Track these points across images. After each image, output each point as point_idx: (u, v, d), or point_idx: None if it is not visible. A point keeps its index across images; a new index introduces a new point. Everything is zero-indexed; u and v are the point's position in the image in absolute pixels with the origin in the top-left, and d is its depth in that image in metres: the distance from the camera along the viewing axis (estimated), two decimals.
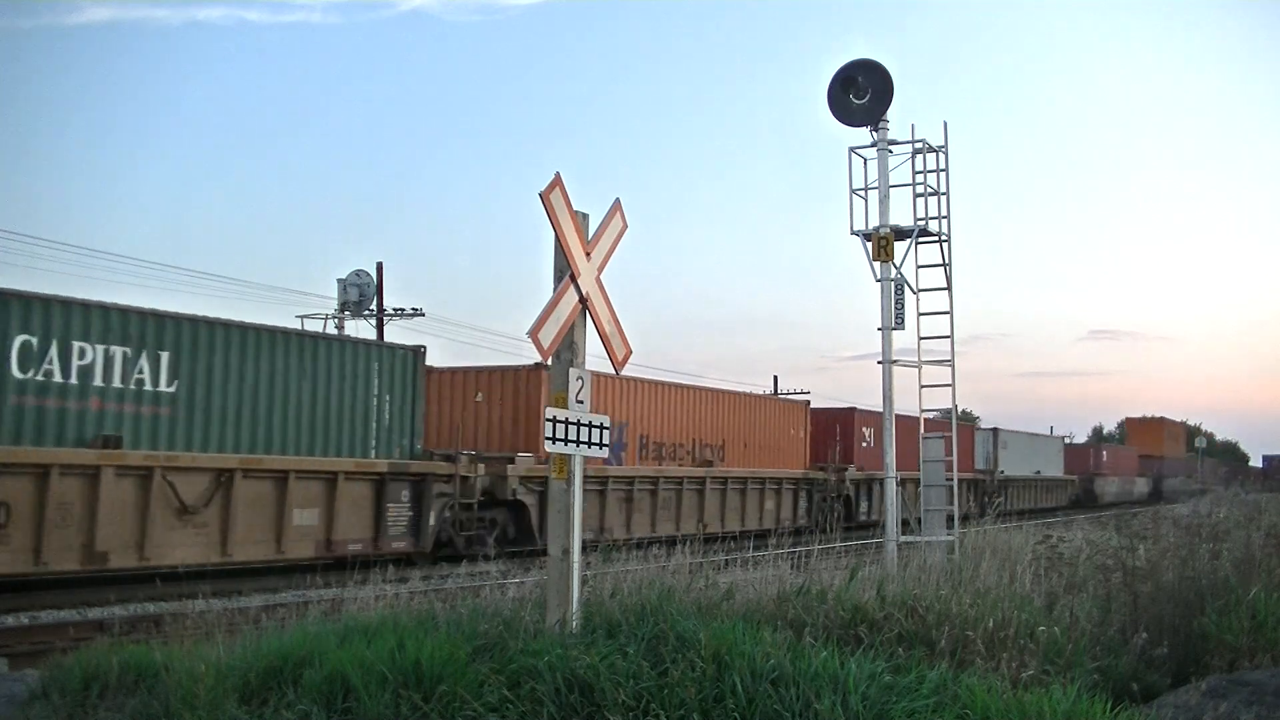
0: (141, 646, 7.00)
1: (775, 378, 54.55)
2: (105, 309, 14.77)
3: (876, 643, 5.88)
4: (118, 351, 14.76)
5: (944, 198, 13.06)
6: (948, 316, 13.00)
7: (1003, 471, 42.66)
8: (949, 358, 13.12)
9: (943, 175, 13.09)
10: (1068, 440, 60.02)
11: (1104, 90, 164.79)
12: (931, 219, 13.00)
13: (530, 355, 19.19)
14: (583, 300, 6.79)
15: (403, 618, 6.71)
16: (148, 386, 15.10)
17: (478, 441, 21.03)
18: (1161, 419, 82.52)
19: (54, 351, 14.07)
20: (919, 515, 12.71)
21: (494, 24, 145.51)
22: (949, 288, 13.06)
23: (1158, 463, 73.14)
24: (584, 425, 6.62)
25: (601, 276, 7.03)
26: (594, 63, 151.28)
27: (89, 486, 14.09)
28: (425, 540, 18.84)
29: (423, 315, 33.90)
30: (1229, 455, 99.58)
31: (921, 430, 13.27)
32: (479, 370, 22.52)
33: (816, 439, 31.37)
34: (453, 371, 22.39)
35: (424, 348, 19.47)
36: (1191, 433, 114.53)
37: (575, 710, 5.15)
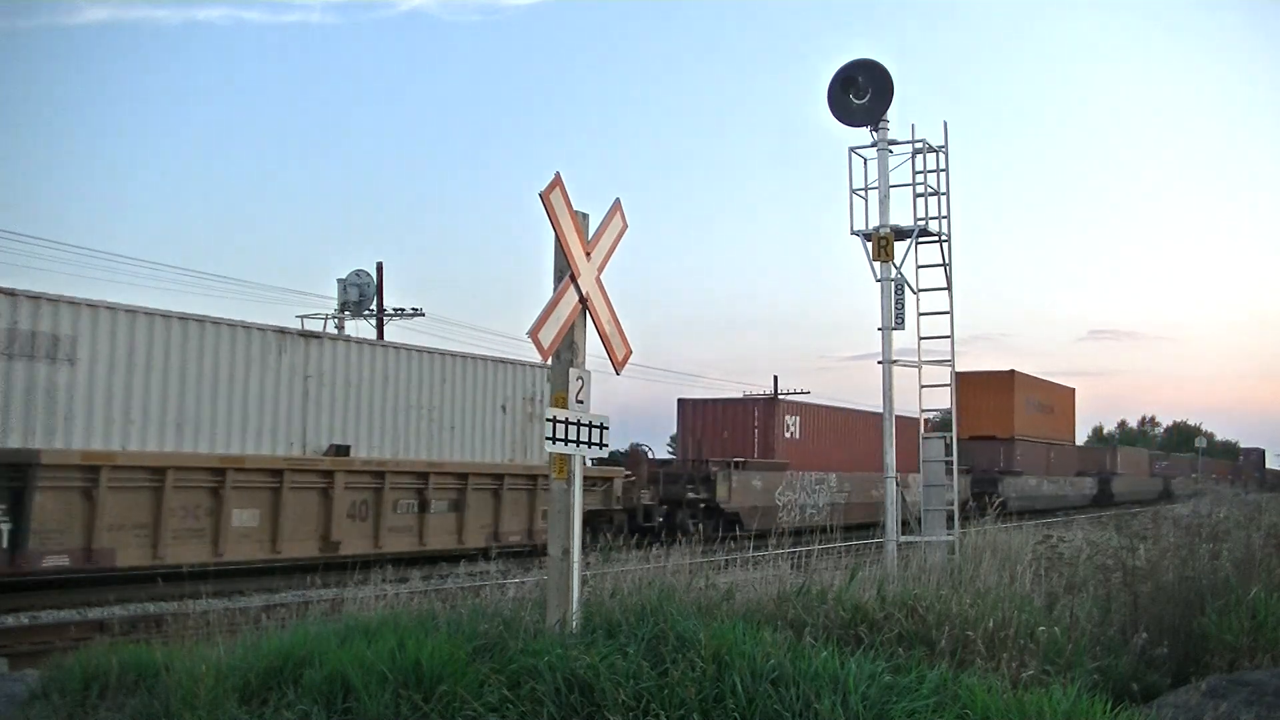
0: (142, 646, 7.00)
1: (775, 378, 54.14)
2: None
3: (876, 643, 5.89)
4: None
5: (944, 198, 13.07)
6: (948, 316, 13.01)
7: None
8: (949, 358, 13.14)
9: (943, 175, 13.09)
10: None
11: (1104, 90, 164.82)
12: (931, 219, 13.00)
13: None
14: (583, 300, 6.79)
15: (403, 618, 6.71)
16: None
17: None
18: (1011, 372, 44.12)
19: None
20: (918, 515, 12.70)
21: (494, 24, 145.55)
22: (949, 288, 13.07)
23: (999, 448, 41.16)
24: (584, 425, 6.63)
25: (601, 276, 7.03)
26: (594, 63, 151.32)
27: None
28: None
29: (423, 315, 33.95)
30: (1229, 455, 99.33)
31: (921, 430, 13.28)
32: None
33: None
34: None
35: None
36: (1190, 432, 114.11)
37: (575, 710, 5.15)
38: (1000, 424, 41.97)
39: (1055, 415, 48.25)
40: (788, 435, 30.70)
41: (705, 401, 32.21)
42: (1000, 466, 40.82)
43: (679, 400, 32.29)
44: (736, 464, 27.75)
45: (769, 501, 28.13)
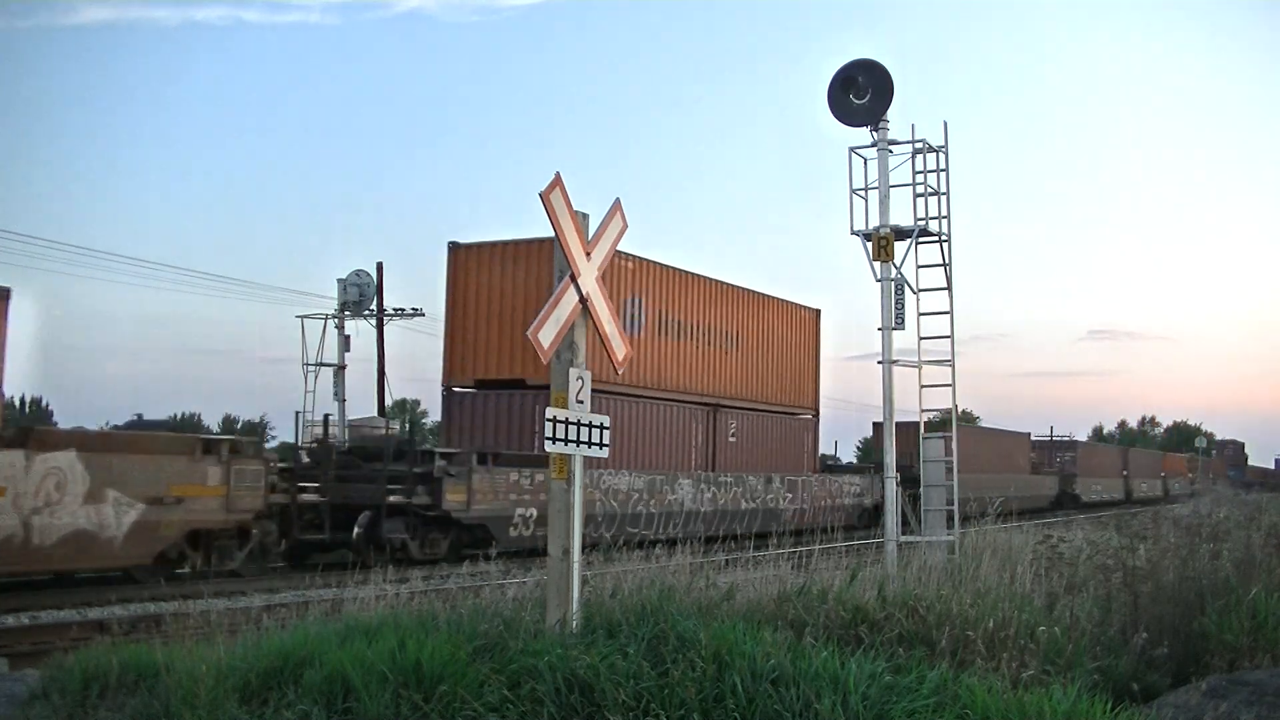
0: (142, 646, 6.98)
1: None
2: None
3: (877, 643, 5.88)
4: None
5: (944, 198, 13.06)
6: (948, 316, 13.01)
7: None
8: (949, 358, 13.14)
9: (943, 175, 13.09)
10: None
11: (1104, 90, 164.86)
12: (931, 219, 12.99)
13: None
14: (583, 300, 6.79)
15: (403, 618, 6.71)
16: None
17: None
18: (690, 276, 25.17)
19: None
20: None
21: (493, 24, 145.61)
22: (949, 288, 13.06)
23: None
24: (584, 425, 6.62)
25: (602, 276, 7.03)
26: (594, 63, 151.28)
27: None
28: None
29: (423, 315, 33.95)
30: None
31: (922, 430, 13.28)
32: None
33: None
34: None
35: None
36: (1191, 432, 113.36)
37: (575, 710, 5.15)
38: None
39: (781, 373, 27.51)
40: None
41: None
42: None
43: None
44: None
45: None
